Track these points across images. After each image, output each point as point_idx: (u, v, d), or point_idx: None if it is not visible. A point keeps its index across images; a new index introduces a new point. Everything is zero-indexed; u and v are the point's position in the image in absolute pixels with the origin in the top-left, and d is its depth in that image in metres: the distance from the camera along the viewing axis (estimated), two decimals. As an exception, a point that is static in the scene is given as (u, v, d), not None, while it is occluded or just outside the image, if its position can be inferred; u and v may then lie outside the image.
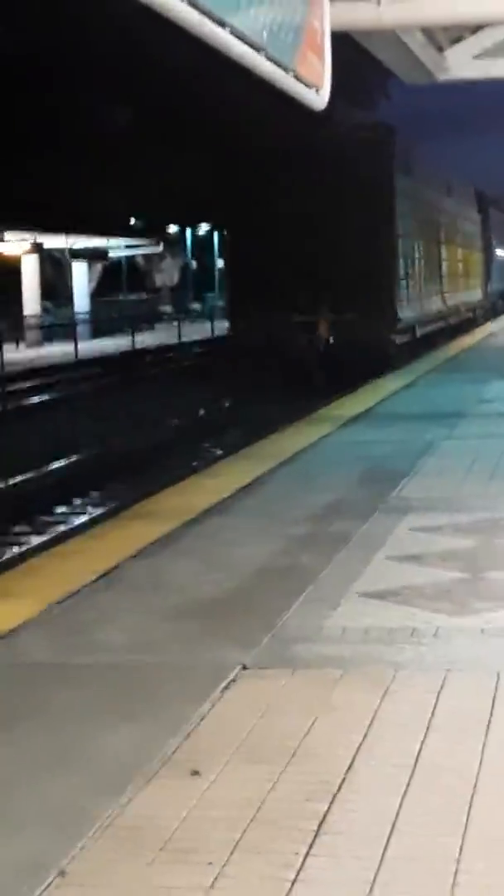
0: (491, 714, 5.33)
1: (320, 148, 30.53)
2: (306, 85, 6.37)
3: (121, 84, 55.23)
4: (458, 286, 43.39)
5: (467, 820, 4.34)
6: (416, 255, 35.17)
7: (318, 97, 6.52)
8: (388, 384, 21.90)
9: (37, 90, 53.89)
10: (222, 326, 50.80)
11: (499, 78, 11.46)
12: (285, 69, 6.02)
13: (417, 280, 35.10)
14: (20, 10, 37.43)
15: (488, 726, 5.19)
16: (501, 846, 4.14)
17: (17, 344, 42.90)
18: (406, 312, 32.50)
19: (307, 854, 4.11)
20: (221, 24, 5.11)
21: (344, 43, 7.55)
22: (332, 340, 30.29)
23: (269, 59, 5.81)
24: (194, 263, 72.26)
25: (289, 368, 28.91)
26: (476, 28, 11.41)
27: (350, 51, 8.49)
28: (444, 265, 40.55)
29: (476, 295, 48.21)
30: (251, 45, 5.51)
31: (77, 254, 48.95)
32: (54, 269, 50.14)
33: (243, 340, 31.36)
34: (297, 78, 6.27)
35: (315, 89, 6.44)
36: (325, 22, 6.72)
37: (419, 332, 34.08)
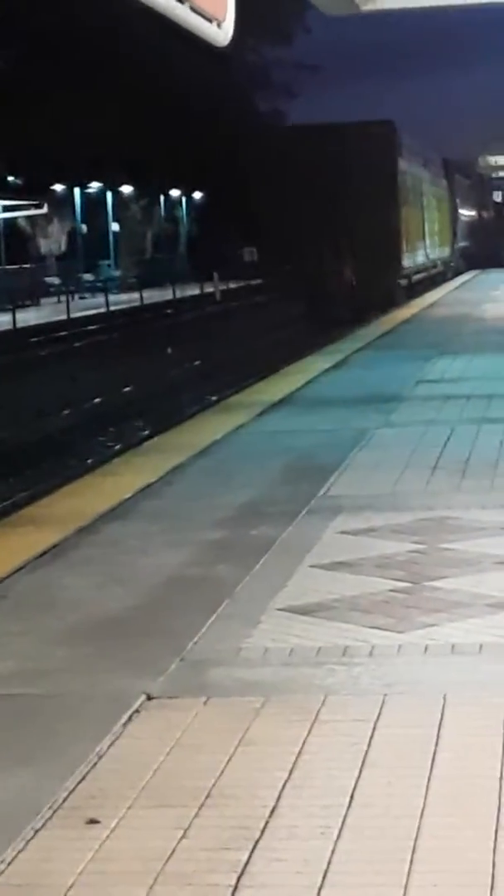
0: (436, 744, 5.34)
1: (343, 135, 47.84)
2: (206, 18, 6.35)
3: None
4: (435, 244, 61.14)
5: (409, 869, 4.33)
6: (411, 220, 52.03)
7: (221, 31, 6.50)
8: (315, 364, 21.98)
9: None
10: (119, 300, 50.81)
11: (428, 7, 11.54)
12: (181, 0, 6.00)
13: (412, 239, 52.44)
14: None
15: (433, 759, 5.21)
16: (455, 891, 4.16)
17: None
18: (406, 263, 50.67)
19: (223, 915, 4.12)
20: None
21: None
22: (354, 283, 46.80)
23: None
24: (84, 227, 71.88)
25: (322, 303, 44.69)
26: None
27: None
28: (426, 227, 57.74)
29: (446, 251, 66.03)
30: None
31: None
32: None
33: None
34: (194, 10, 6.24)
35: (216, 23, 6.42)
36: None
37: (413, 279, 52.13)
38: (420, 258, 55.21)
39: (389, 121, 51.08)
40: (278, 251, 49.28)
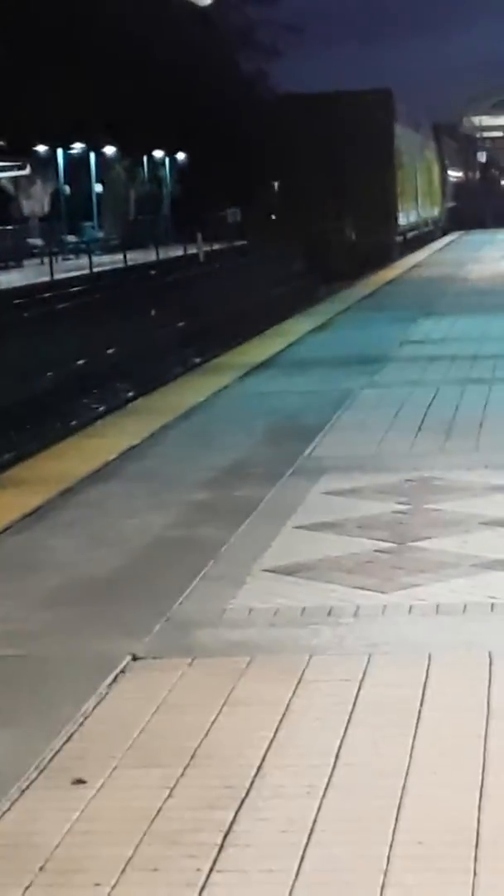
0: (421, 703, 5.37)
1: (344, 102, 51.74)
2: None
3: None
4: (426, 204, 64.56)
5: (394, 826, 4.35)
6: (406, 181, 55.68)
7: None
8: (299, 326, 21.94)
9: None
10: (101, 262, 50.66)
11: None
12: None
13: (406, 199, 56.08)
14: None
15: (418, 717, 5.23)
16: (433, 856, 4.17)
17: None
18: (401, 221, 54.47)
19: (211, 870, 4.11)
20: None
21: None
22: (354, 238, 50.35)
23: None
24: (67, 188, 71.62)
25: (323, 259, 47.36)
26: None
27: None
28: (419, 188, 61.30)
29: (437, 211, 69.71)
30: None
31: None
32: None
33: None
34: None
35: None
36: None
37: (408, 236, 55.41)
38: (413, 217, 58.64)
39: (387, 89, 54.43)
40: (279, 211, 54.55)
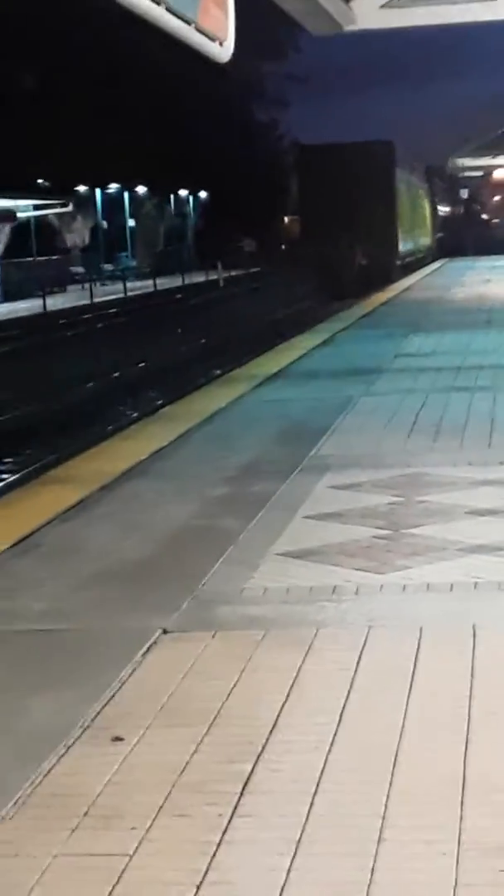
0: (414, 669, 5.37)
1: (355, 150, 54.74)
2: (209, 38, 6.32)
3: (22, 44, 54.62)
4: (420, 234, 67.07)
5: (392, 776, 4.36)
6: (404, 215, 58.19)
7: (223, 49, 6.47)
8: (305, 342, 21.91)
9: None
10: (134, 287, 50.71)
11: (405, 27, 11.44)
12: (188, 22, 5.97)
13: (405, 230, 58.69)
14: None
15: (411, 681, 5.24)
16: (426, 801, 4.18)
17: None
18: (401, 248, 57.29)
19: (232, 815, 4.12)
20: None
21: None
22: (363, 263, 52.44)
23: (171, 11, 5.75)
24: (105, 223, 71.56)
25: (338, 278, 49.24)
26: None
27: (256, 2, 8.44)
28: (414, 220, 63.43)
29: (428, 240, 71.49)
30: (153, -1, 5.48)
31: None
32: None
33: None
34: (200, 31, 6.21)
35: (219, 42, 6.39)
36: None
37: (406, 261, 57.45)
38: (410, 245, 61.19)
39: (389, 141, 58.00)
40: (293, 242, 60.62)
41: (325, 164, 53.99)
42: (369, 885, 3.69)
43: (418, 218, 67.00)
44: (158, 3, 5.51)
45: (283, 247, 77.36)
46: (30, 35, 54.60)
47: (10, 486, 13.72)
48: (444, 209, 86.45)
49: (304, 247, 57.34)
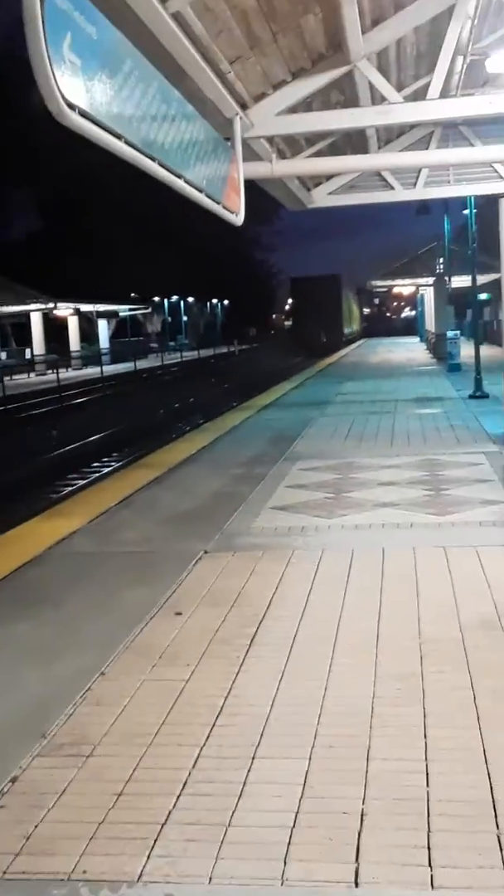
0: (349, 573, 5.38)
1: (322, 279, 58.16)
2: (230, 211, 6.31)
3: (123, 213, 54.55)
4: (354, 324, 69.30)
5: (336, 633, 4.39)
6: (346, 314, 61.51)
7: (237, 218, 6.47)
8: (285, 386, 21.89)
9: (74, 222, 53.04)
10: (186, 355, 50.60)
11: (344, 206, 11.46)
12: (217, 202, 5.97)
13: (346, 322, 61.52)
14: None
15: (347, 580, 5.25)
16: (357, 648, 4.19)
17: (67, 369, 42.25)
18: (345, 331, 59.72)
19: (245, 657, 4.14)
20: (179, 176, 5.06)
21: (252, 185, 7.50)
22: (324, 339, 52.97)
23: (208, 196, 5.75)
24: (170, 318, 71.40)
25: (312, 347, 49.71)
26: (329, 177, 11.39)
27: (256, 189, 8.47)
28: (350, 317, 65.32)
29: (357, 328, 72.87)
30: (196, 188, 5.47)
31: (100, 315, 48.48)
32: (87, 324, 49.45)
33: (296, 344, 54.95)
34: (225, 207, 6.21)
35: (235, 214, 6.40)
36: (240, 173, 6.67)
37: (346, 339, 58.59)
38: (348, 330, 62.84)
39: (338, 274, 60.73)
40: (282, 330, 66.40)
41: (305, 287, 58.41)
42: (323, 700, 3.71)
43: (352, 315, 69.41)
44: (200, 191, 5.51)
45: (272, 332, 77.77)
46: (129, 208, 54.67)
47: (116, 470, 13.72)
48: (366, 310, 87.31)
49: (295, 330, 61.01)
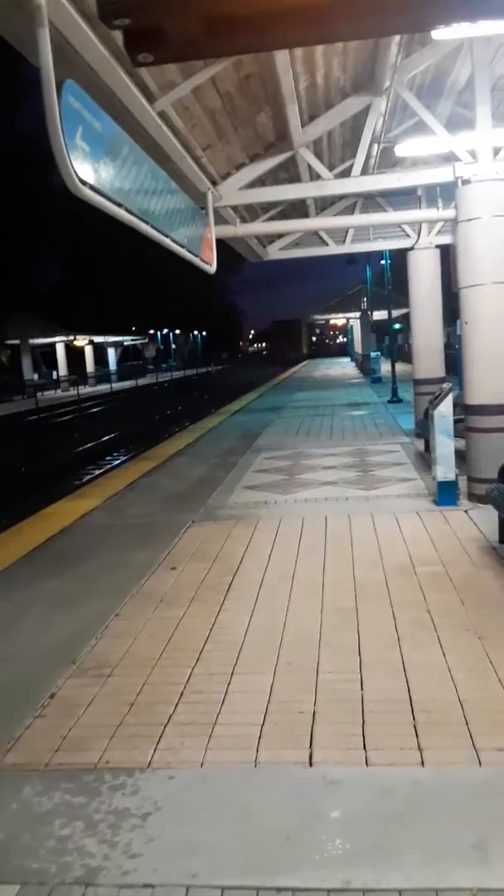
0: (300, 537, 5.39)
1: (290, 322, 64.46)
2: (206, 263, 6.30)
3: (125, 265, 54.00)
4: (305, 349, 68.62)
5: (292, 580, 4.40)
6: (303, 341, 65.44)
7: (211, 268, 6.45)
8: (251, 395, 21.85)
9: (88, 273, 52.37)
10: (176, 374, 50.19)
11: (292, 258, 11.49)
12: (196, 256, 5.95)
13: (302, 346, 64.64)
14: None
15: (299, 541, 5.26)
16: (306, 587, 4.20)
17: (84, 385, 41.93)
18: (303, 351, 63.25)
19: (224, 599, 4.14)
20: (166, 235, 5.03)
21: (221, 243, 7.49)
22: (293, 357, 55.33)
23: (189, 251, 5.73)
24: (162, 346, 70.88)
25: (284, 363, 50.66)
26: (280, 236, 11.41)
27: (225, 246, 8.46)
28: (302, 343, 67.42)
29: (307, 351, 71.55)
30: (180, 245, 5.44)
31: (109, 344, 48.21)
32: (99, 351, 49.05)
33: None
34: (202, 260, 6.20)
35: (209, 265, 6.38)
36: (213, 234, 6.65)
37: (301, 357, 59.62)
38: (304, 351, 66.36)
39: (299, 318, 65.29)
40: (270, 350, 68.72)
41: (281, 325, 66.29)
42: (283, 628, 3.73)
43: (304, 343, 73.48)
44: (183, 248, 5.48)
45: (239, 355, 77.75)
46: (130, 262, 54.17)
47: (124, 462, 13.60)
48: (310, 338, 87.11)
49: (274, 349, 66.48)
